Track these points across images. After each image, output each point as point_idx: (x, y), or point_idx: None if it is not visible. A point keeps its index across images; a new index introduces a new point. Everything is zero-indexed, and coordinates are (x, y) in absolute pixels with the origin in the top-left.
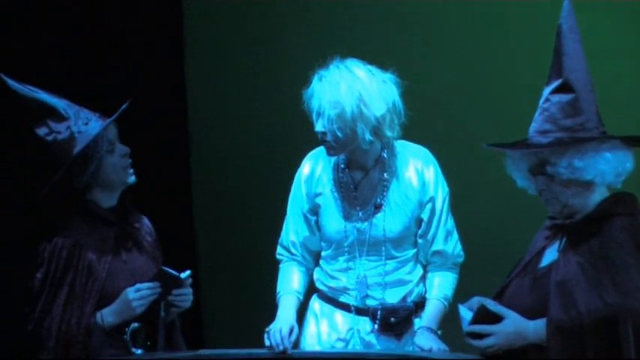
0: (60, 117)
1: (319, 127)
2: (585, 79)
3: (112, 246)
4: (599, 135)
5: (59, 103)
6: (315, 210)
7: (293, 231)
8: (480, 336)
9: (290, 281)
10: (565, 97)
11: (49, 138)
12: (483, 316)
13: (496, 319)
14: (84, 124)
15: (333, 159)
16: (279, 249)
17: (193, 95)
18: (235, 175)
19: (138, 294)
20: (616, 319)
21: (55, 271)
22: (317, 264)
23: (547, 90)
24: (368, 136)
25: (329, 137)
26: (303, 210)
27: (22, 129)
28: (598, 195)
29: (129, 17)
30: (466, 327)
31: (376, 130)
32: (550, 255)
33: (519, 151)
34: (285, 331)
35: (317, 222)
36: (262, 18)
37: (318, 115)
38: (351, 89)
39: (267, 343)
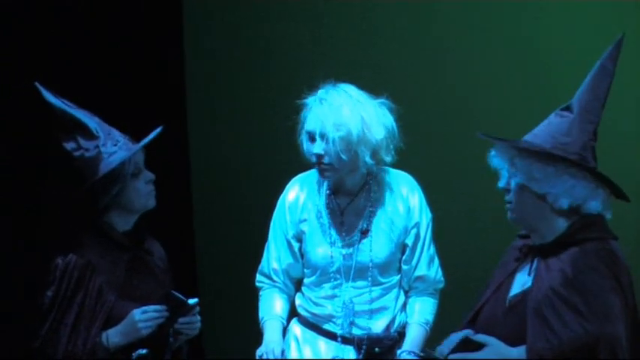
0: (90, 135)
1: (318, 149)
2: (594, 112)
3: (124, 270)
4: (571, 158)
5: (91, 121)
6: (299, 236)
7: (275, 258)
8: None
9: (273, 307)
10: (565, 117)
11: (77, 154)
12: (466, 345)
13: (478, 348)
14: (113, 145)
15: (318, 185)
16: (258, 277)
17: (193, 99)
18: (235, 179)
19: (144, 316)
20: (596, 346)
21: (66, 290)
22: (298, 290)
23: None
24: (368, 159)
25: (327, 160)
26: (287, 236)
27: (45, 138)
28: (562, 220)
29: (128, 19)
30: (444, 354)
31: (375, 154)
32: (521, 278)
33: (498, 143)
34: (278, 352)
35: (300, 249)
36: (263, 20)
37: (321, 136)
38: (355, 112)
39: None
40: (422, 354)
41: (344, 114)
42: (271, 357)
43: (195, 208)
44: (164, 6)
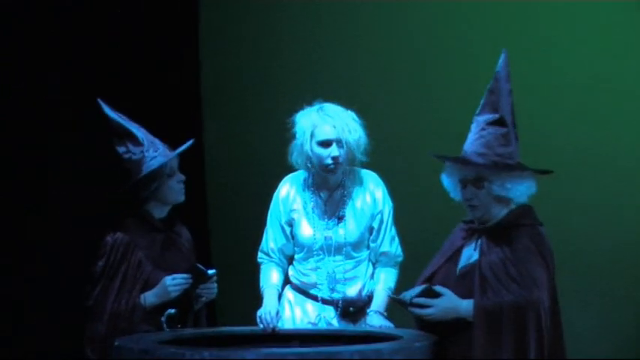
0: (137, 142)
1: (336, 152)
2: (512, 119)
3: (159, 248)
4: (518, 164)
5: (139, 131)
6: (290, 222)
7: (272, 239)
8: (422, 307)
9: (270, 278)
10: (500, 130)
11: (126, 156)
12: (427, 293)
13: (436, 296)
14: (154, 152)
15: (304, 183)
16: (259, 254)
17: (209, 100)
18: (248, 177)
19: (174, 281)
20: (526, 307)
21: (114, 261)
22: (290, 264)
23: (481, 119)
24: (359, 156)
25: (341, 160)
26: (281, 222)
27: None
28: (500, 208)
29: (146, 22)
30: (409, 297)
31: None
32: (467, 252)
33: (463, 165)
34: (273, 313)
35: (291, 232)
36: (278, 22)
37: (337, 142)
38: (355, 120)
39: (259, 324)
40: (392, 296)
41: (351, 121)
42: (268, 318)
43: (209, 201)
44: (180, 11)
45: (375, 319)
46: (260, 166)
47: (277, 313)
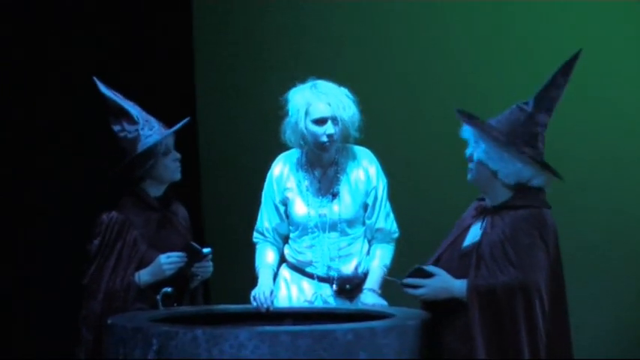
0: (133, 121)
1: (331, 130)
2: (546, 110)
3: (154, 226)
4: (521, 149)
5: (134, 109)
6: (284, 201)
7: (267, 219)
8: (415, 288)
9: (265, 257)
10: (525, 110)
11: (121, 135)
12: (418, 273)
13: (429, 276)
14: (149, 130)
15: (297, 161)
16: (254, 234)
17: (202, 98)
18: (242, 156)
19: (168, 260)
20: (519, 289)
21: (109, 240)
22: (286, 243)
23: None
24: (353, 133)
25: (336, 137)
26: (275, 202)
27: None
28: (508, 190)
29: (140, 24)
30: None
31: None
32: (474, 232)
33: (469, 124)
34: (267, 293)
35: (286, 211)
36: (269, 21)
37: (332, 119)
38: (349, 96)
39: (253, 303)
40: (386, 277)
41: (345, 98)
42: (262, 297)
43: (202, 179)
44: (174, 6)
45: (368, 297)
46: (254, 145)
47: (271, 292)
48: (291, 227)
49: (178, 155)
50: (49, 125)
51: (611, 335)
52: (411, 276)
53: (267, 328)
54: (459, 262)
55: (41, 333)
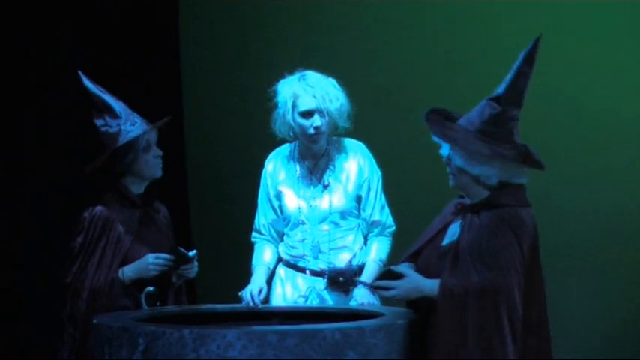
0: (115, 115)
1: (318, 122)
2: (517, 104)
3: (136, 223)
4: (499, 150)
5: (117, 104)
6: (278, 196)
7: (262, 215)
8: (386, 289)
9: (262, 256)
10: (496, 108)
11: (103, 129)
12: (389, 275)
13: (399, 277)
14: (131, 125)
15: (289, 155)
16: (252, 233)
17: (189, 91)
18: (229, 154)
19: (156, 260)
20: (491, 289)
21: (92, 236)
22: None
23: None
24: (343, 124)
25: (324, 129)
26: (269, 196)
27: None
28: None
29: (126, 17)
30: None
31: (342, 121)
32: (453, 230)
33: (433, 132)
34: (255, 291)
35: (280, 207)
36: (257, 18)
37: (319, 112)
38: (337, 87)
39: (243, 302)
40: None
41: (333, 90)
42: (248, 296)
43: (189, 178)
44: (160, 5)
45: (360, 294)
46: (241, 144)
47: (260, 290)
48: (284, 221)
49: (160, 152)
50: (36, 124)
51: (606, 336)
52: (381, 278)
53: (255, 327)
54: (437, 260)
55: (20, 332)
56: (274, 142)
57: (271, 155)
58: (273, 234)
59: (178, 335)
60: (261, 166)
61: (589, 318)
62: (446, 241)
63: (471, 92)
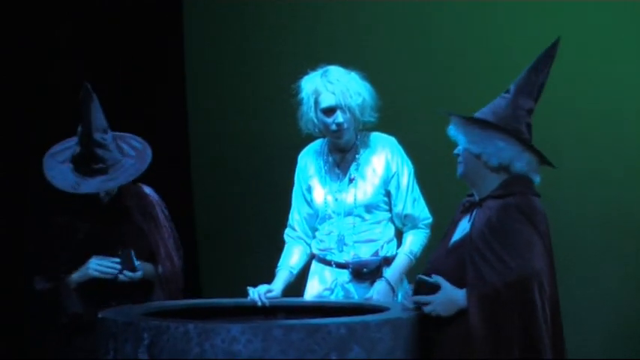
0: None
1: (340, 119)
2: (528, 96)
3: (103, 223)
4: (500, 125)
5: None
6: (309, 190)
7: (297, 210)
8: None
9: (288, 259)
10: (505, 97)
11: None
12: (421, 287)
13: (433, 288)
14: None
15: (318, 150)
16: (286, 230)
17: (194, 93)
18: (234, 152)
19: (98, 266)
20: (520, 279)
21: (52, 244)
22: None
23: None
24: (367, 118)
25: (346, 125)
26: (302, 191)
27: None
28: (494, 178)
29: (130, 17)
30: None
31: (368, 115)
32: (462, 225)
33: (451, 117)
34: (262, 291)
35: (311, 200)
36: (263, 19)
37: (340, 108)
38: (359, 82)
39: (248, 297)
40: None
41: (354, 85)
42: (255, 296)
43: (193, 175)
44: (165, 5)
45: (376, 289)
46: (246, 143)
47: (269, 292)
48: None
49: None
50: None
51: (610, 335)
52: (416, 290)
53: (260, 322)
54: (446, 257)
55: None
56: (279, 141)
57: (304, 150)
58: (307, 230)
59: (183, 330)
60: (265, 164)
61: (589, 318)
62: (456, 237)
63: (471, 92)
